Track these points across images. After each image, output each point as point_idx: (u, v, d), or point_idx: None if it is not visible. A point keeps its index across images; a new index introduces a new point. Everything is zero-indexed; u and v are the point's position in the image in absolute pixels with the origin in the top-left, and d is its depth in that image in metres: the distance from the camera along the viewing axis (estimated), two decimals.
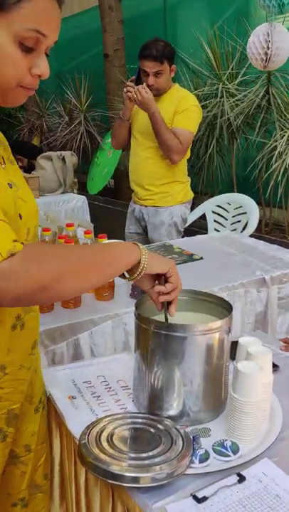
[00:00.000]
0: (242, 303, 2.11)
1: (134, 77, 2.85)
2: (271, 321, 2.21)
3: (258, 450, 1.10)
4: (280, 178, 4.00)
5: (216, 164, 4.83)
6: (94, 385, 1.33)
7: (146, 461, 1.00)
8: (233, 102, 4.45)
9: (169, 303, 1.15)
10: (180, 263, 2.35)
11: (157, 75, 2.78)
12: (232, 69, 4.60)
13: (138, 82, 2.80)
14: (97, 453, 1.01)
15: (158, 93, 2.82)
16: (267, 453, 1.10)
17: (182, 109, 2.82)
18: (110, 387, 1.32)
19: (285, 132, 4.05)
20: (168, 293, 1.13)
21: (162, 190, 2.98)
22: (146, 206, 3.03)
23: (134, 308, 1.23)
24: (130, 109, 2.92)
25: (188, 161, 3.13)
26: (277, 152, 4.02)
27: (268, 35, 3.21)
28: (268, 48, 3.22)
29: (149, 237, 3.06)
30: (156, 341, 1.17)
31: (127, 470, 0.97)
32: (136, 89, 2.71)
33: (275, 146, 4.07)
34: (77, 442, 1.06)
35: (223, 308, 1.29)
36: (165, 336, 1.15)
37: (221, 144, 4.79)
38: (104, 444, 1.04)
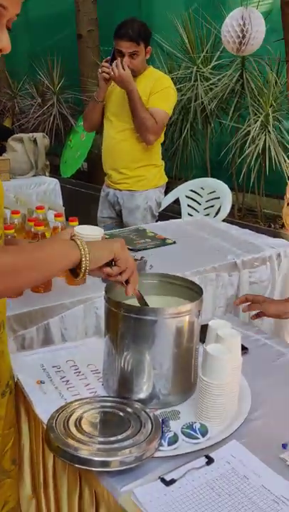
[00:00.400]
0: (213, 287, 2.12)
1: (109, 57, 2.80)
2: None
3: (227, 432, 1.11)
4: (252, 163, 4.01)
5: (190, 148, 4.81)
6: (63, 369, 1.32)
7: (115, 445, 0.99)
8: (207, 86, 4.43)
9: (127, 282, 1.13)
10: (153, 247, 2.34)
11: (133, 56, 2.74)
12: (206, 52, 4.57)
13: (113, 62, 2.75)
14: (65, 438, 1.00)
15: (133, 74, 2.77)
16: (235, 435, 1.11)
17: (158, 90, 2.79)
18: (80, 372, 1.31)
19: (259, 117, 4.05)
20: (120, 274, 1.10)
21: (137, 174, 2.95)
22: (120, 190, 3.00)
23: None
24: (105, 91, 2.87)
25: (162, 145, 3.10)
26: (250, 137, 4.01)
27: (244, 19, 3.19)
28: (247, 31, 3.20)
29: (124, 221, 3.03)
30: (126, 325, 1.16)
31: (95, 454, 0.96)
32: (113, 65, 2.67)
33: (249, 131, 4.07)
34: (45, 427, 1.05)
35: (193, 291, 1.29)
36: (135, 319, 1.15)
37: (195, 128, 4.76)
38: (73, 429, 1.03)
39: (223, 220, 3.05)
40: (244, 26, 3.19)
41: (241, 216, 4.61)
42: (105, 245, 1.07)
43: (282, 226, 4.31)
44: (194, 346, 1.23)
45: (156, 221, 3.03)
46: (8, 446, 1.23)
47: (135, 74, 2.79)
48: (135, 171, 2.94)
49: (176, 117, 4.66)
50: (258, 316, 1.66)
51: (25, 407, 1.27)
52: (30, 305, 1.74)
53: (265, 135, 3.99)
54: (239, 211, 4.64)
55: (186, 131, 4.66)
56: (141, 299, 1.20)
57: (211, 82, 4.42)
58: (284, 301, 1.69)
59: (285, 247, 2.38)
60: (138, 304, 1.25)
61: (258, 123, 4.02)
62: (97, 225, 3.18)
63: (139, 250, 2.27)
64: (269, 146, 3.97)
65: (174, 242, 2.41)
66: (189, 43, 4.64)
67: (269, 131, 4.00)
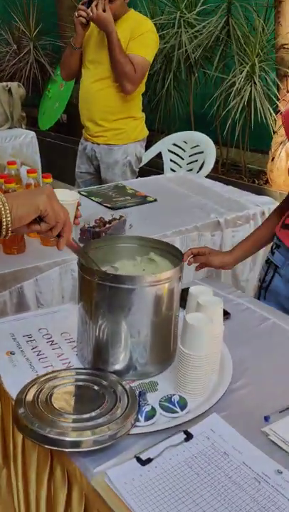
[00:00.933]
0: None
1: (85, 0, 2.60)
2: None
3: (207, 405, 1.06)
4: (237, 115, 3.87)
5: (173, 100, 4.63)
6: (35, 338, 1.24)
7: (88, 423, 0.93)
8: (192, 33, 4.21)
9: (59, 236, 1.02)
10: (133, 205, 2.24)
11: (110, 0, 2.54)
12: None
13: (90, 6, 2.56)
14: (34, 416, 0.93)
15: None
16: (216, 407, 1.05)
17: (137, 35, 2.61)
18: (53, 341, 1.24)
19: (244, 67, 3.88)
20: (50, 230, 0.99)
21: (116, 127, 2.80)
22: (98, 144, 2.86)
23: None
24: (82, 36, 2.68)
25: (144, 95, 2.94)
26: (235, 88, 3.85)
27: None
28: None
29: (102, 177, 2.91)
30: (100, 294, 1.09)
31: (66, 434, 0.90)
32: (92, 6, 2.49)
33: (234, 82, 3.90)
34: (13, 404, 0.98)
35: (174, 256, 1.21)
36: (110, 287, 1.07)
37: (179, 78, 4.56)
38: (43, 405, 0.97)
39: (207, 176, 2.95)
40: None
41: (225, 171, 4.50)
42: (30, 200, 0.95)
43: (267, 182, 4.22)
44: (174, 314, 1.16)
45: (137, 177, 2.92)
46: None
47: (114, 18, 2.60)
48: (113, 124, 2.79)
49: (159, 67, 4.46)
50: (201, 267, 1.62)
51: None
52: (3, 267, 1.65)
53: (251, 86, 3.84)
54: (223, 166, 4.53)
55: (169, 81, 4.46)
56: (80, 253, 1.10)
57: (195, 29, 4.20)
58: (228, 252, 1.66)
59: (270, 204, 2.31)
60: (115, 271, 1.17)
61: (244, 73, 3.85)
62: (75, 180, 3.05)
63: (118, 208, 2.17)
64: (254, 97, 3.82)
65: (155, 200, 2.32)
66: None
67: (255, 82, 3.84)
